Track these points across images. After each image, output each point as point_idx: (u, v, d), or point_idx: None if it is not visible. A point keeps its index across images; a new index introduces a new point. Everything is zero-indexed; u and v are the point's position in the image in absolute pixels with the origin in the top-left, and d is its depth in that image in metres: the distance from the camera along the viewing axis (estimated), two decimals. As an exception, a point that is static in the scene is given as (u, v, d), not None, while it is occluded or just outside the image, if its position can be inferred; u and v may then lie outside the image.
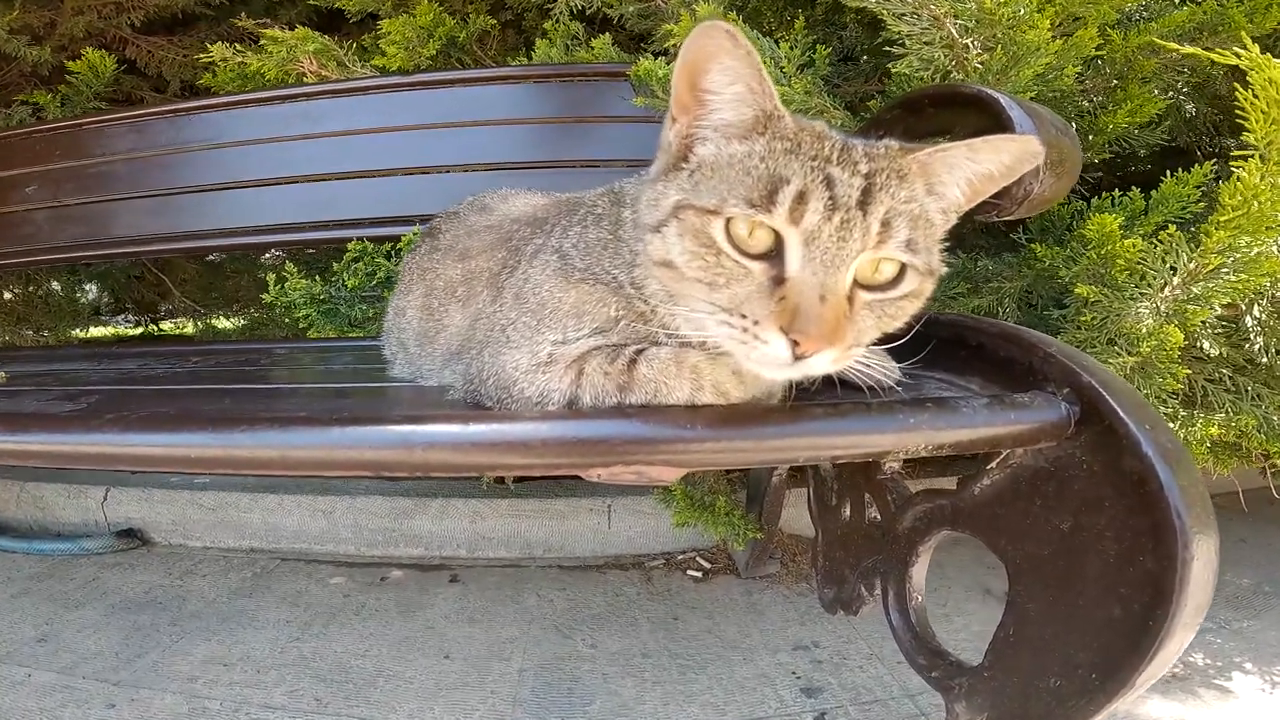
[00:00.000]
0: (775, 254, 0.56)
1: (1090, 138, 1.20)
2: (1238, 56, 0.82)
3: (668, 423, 0.53)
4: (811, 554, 1.14)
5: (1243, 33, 0.85)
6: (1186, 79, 1.31)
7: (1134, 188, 1.11)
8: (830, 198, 0.55)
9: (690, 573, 1.73)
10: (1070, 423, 0.61)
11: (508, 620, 1.52)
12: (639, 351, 0.59)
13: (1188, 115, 1.43)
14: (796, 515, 1.70)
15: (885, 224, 0.56)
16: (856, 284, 0.57)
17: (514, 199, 0.99)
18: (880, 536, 0.95)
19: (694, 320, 0.58)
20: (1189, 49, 0.90)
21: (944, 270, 0.62)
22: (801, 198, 0.55)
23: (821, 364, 0.55)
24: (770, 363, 0.55)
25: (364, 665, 1.38)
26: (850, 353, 0.56)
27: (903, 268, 0.58)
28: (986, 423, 0.59)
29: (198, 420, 0.55)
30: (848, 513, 1.03)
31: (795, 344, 0.52)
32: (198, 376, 0.93)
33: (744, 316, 0.55)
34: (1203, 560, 0.55)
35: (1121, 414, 0.57)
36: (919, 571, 0.89)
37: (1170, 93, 1.33)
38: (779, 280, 0.55)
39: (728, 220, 0.56)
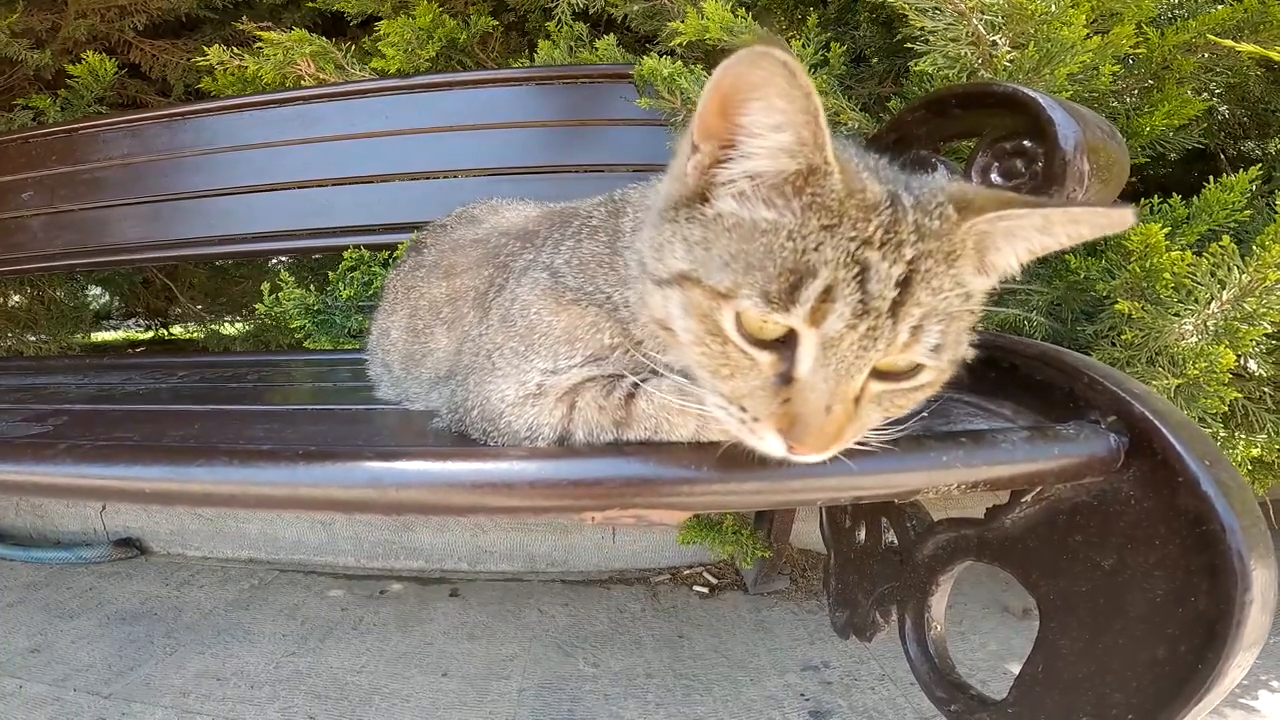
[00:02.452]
0: (786, 344, 0.48)
1: (1126, 140, 1.14)
2: None
3: (670, 463, 0.48)
4: (824, 575, 1.09)
5: None
6: (1223, 80, 1.25)
7: (1159, 193, 1.04)
8: (861, 300, 0.46)
9: (697, 588, 1.68)
10: (1119, 456, 0.55)
11: (508, 637, 1.48)
12: (637, 384, 0.54)
13: (1221, 117, 1.37)
14: (808, 529, 1.64)
15: (916, 329, 0.48)
16: (870, 374, 0.49)
17: (504, 210, 0.93)
18: (897, 563, 0.89)
19: (691, 388, 0.52)
20: (1248, 46, 0.83)
21: (970, 355, 0.53)
22: (828, 294, 0.46)
23: (814, 461, 0.48)
24: (762, 451, 0.49)
25: (360, 682, 1.34)
26: (849, 443, 0.49)
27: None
28: (1027, 458, 0.53)
29: (153, 452, 0.50)
30: (862, 536, 0.98)
31: (791, 448, 0.47)
32: (178, 394, 0.90)
33: (743, 410, 0.48)
34: (1260, 601, 0.52)
35: (1179, 448, 0.52)
36: (939, 601, 0.84)
37: (1205, 94, 1.27)
38: (786, 378, 0.48)
39: (739, 311, 0.48)
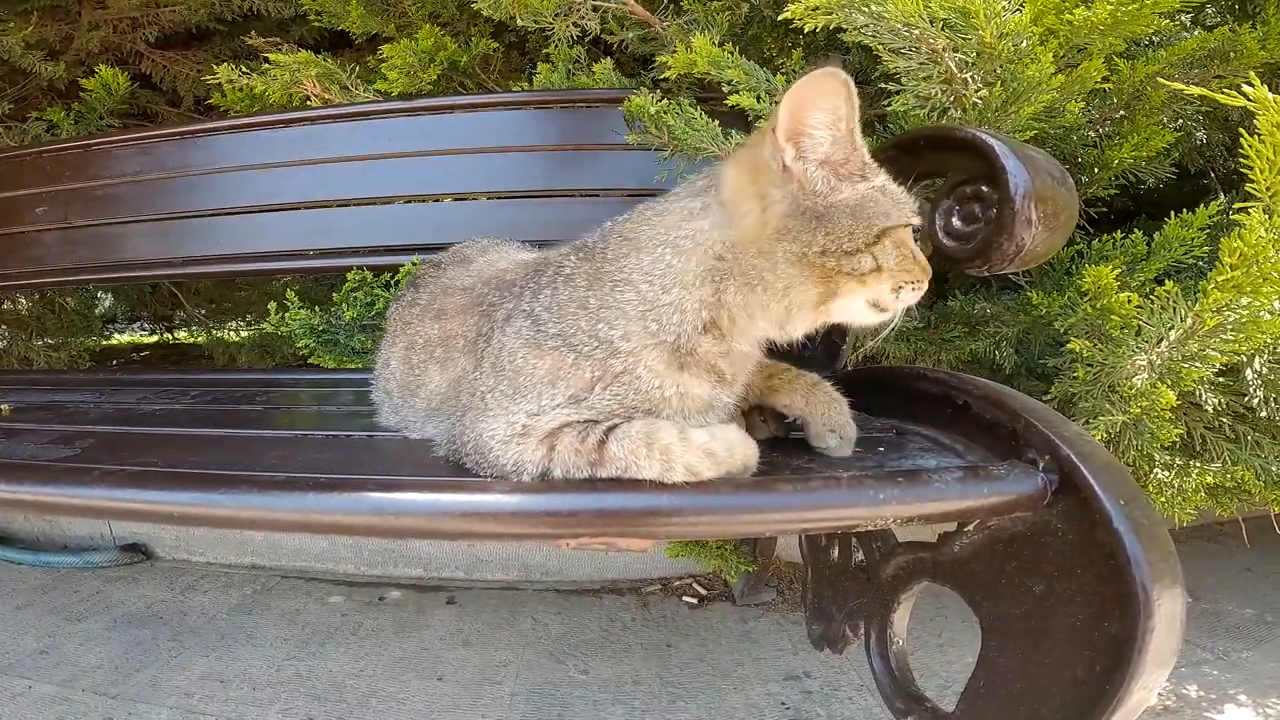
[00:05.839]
0: None
1: (1096, 171, 1.18)
2: (1246, 98, 0.78)
3: (637, 497, 0.54)
4: (802, 590, 1.14)
5: (1252, 73, 0.82)
6: (1197, 107, 1.28)
7: (1148, 210, 1.07)
8: None
9: (686, 599, 1.73)
10: (1047, 494, 0.61)
11: (502, 644, 1.53)
12: (609, 430, 0.60)
13: (1198, 143, 1.40)
14: (794, 542, 1.69)
15: None
16: None
17: (491, 252, 0.99)
18: (865, 580, 0.95)
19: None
20: (1195, 89, 0.87)
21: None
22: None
23: None
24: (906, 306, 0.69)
25: (358, 685, 1.39)
26: None
27: None
28: (959, 495, 0.59)
29: (181, 479, 0.56)
30: (836, 554, 1.03)
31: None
32: (193, 416, 0.95)
33: (902, 287, 0.67)
34: (1164, 629, 0.56)
35: (1096, 488, 0.57)
36: (900, 618, 0.89)
37: (1180, 120, 1.30)
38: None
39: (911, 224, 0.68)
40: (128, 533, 1.93)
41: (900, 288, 0.66)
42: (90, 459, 0.67)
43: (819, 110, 0.63)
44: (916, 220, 0.69)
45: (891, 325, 0.70)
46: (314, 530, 0.54)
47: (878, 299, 0.66)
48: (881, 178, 0.68)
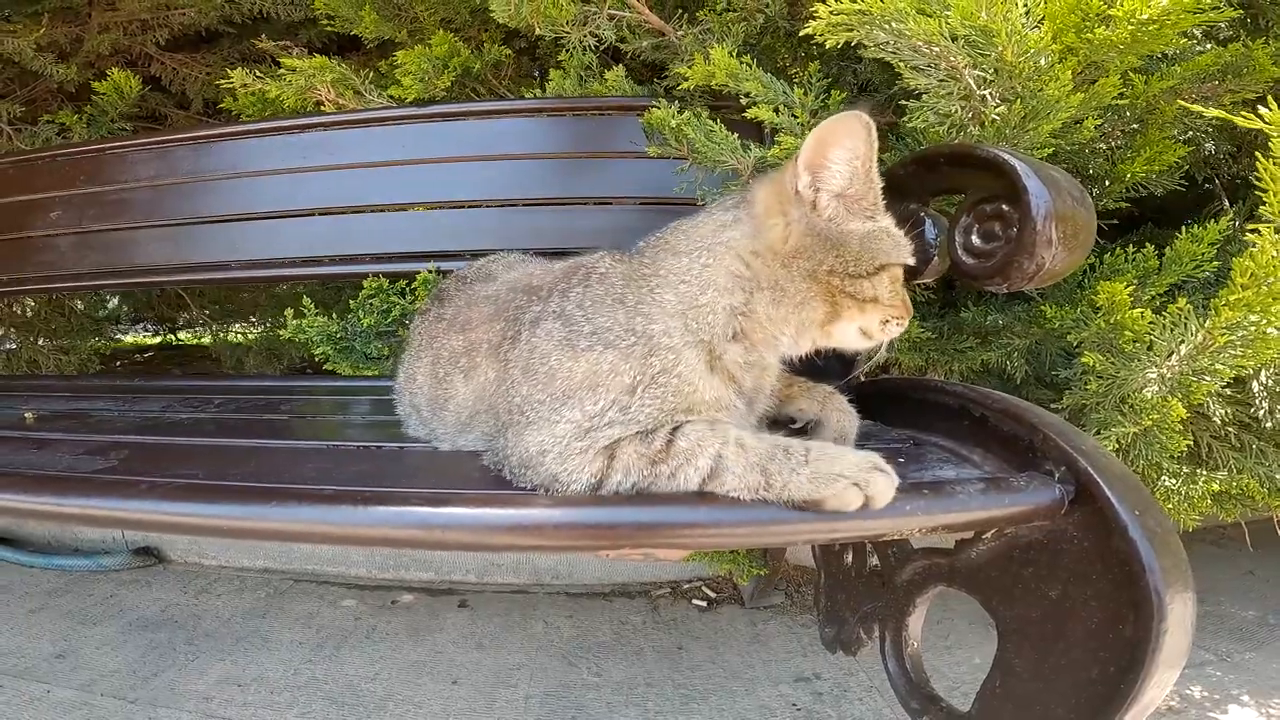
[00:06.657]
0: None
1: (1108, 184, 1.20)
2: (1263, 120, 0.79)
3: (676, 510, 0.56)
4: (814, 593, 1.16)
5: (1270, 98, 0.83)
6: (1207, 120, 1.29)
7: (1154, 218, 1.09)
8: None
9: (696, 602, 1.75)
10: (1064, 504, 0.63)
11: (515, 647, 1.55)
12: (674, 430, 0.63)
13: (1206, 154, 1.42)
14: (803, 547, 1.71)
15: None
16: None
17: (518, 266, 1.00)
18: (880, 585, 0.97)
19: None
20: (1213, 111, 0.89)
21: None
22: None
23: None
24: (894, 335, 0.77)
25: (374, 689, 1.41)
26: None
27: None
28: (981, 506, 0.61)
29: (231, 493, 0.57)
30: (850, 559, 1.05)
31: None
32: (220, 425, 0.96)
33: (887, 322, 0.74)
34: (1176, 631, 0.59)
35: (1112, 499, 0.60)
36: (915, 621, 0.91)
37: (1190, 133, 1.32)
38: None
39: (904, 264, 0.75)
40: (139, 536, 1.94)
41: (887, 321, 0.73)
42: (132, 471, 0.69)
43: (839, 148, 0.68)
44: (911, 261, 0.74)
45: (877, 354, 0.77)
46: (360, 543, 0.56)
47: (867, 327, 0.73)
48: (887, 220, 0.74)
